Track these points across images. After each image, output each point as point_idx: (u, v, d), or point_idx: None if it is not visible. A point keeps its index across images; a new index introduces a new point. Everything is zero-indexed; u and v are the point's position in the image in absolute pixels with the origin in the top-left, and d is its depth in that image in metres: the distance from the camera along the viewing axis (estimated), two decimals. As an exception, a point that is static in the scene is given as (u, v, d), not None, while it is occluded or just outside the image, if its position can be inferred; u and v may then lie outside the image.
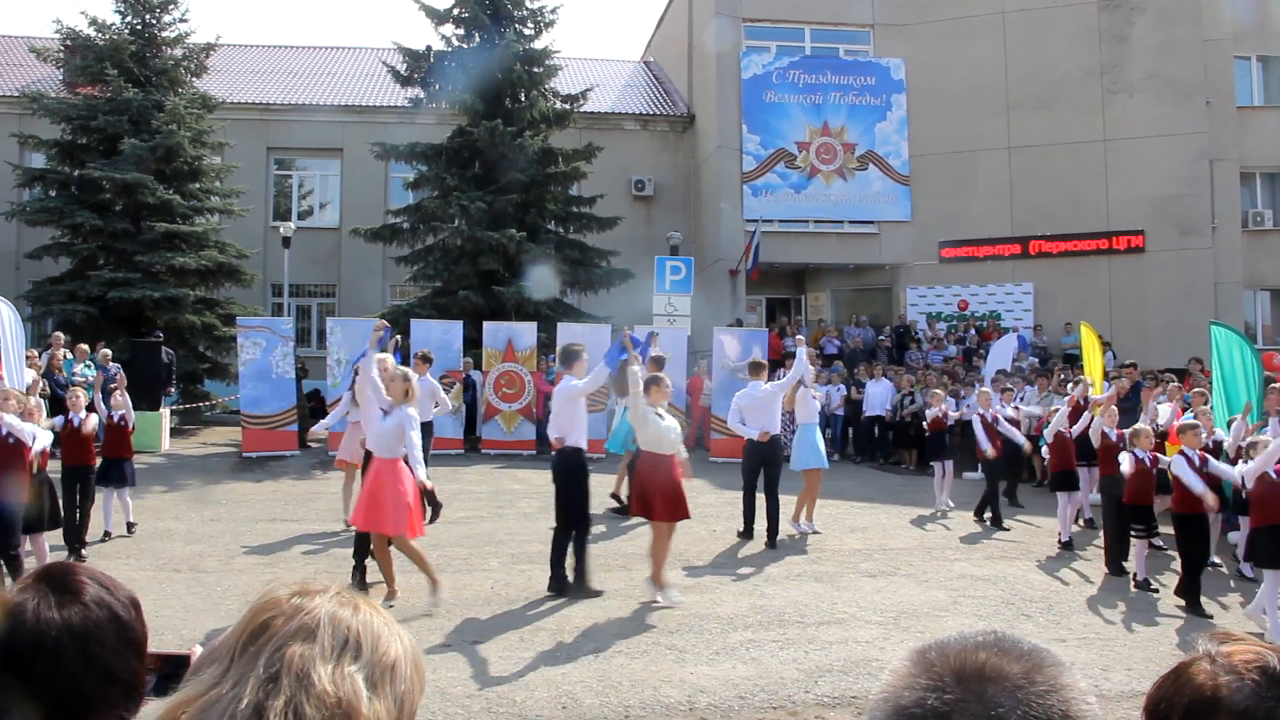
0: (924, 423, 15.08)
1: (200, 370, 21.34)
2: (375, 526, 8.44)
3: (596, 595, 8.84)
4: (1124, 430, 10.67)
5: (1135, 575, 10.07)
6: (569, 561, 8.98)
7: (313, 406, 19.71)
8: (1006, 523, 12.87)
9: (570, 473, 8.97)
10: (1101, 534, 11.20)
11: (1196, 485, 9.20)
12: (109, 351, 17.61)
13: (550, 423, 9.49)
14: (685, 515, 8.82)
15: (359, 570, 9.14)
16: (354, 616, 1.21)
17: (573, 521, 8.94)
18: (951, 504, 13.84)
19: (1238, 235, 24.17)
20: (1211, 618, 9.00)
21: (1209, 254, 23.31)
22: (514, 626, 8.11)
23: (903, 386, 18.65)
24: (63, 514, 10.02)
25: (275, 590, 1.23)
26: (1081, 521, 13.00)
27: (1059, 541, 11.72)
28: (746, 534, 11.38)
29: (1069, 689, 1.04)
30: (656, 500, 8.65)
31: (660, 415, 8.86)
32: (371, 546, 8.76)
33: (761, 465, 11.17)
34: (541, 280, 20.51)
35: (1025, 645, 1.08)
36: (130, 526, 11.31)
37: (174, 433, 18.84)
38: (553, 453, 9.20)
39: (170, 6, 22.42)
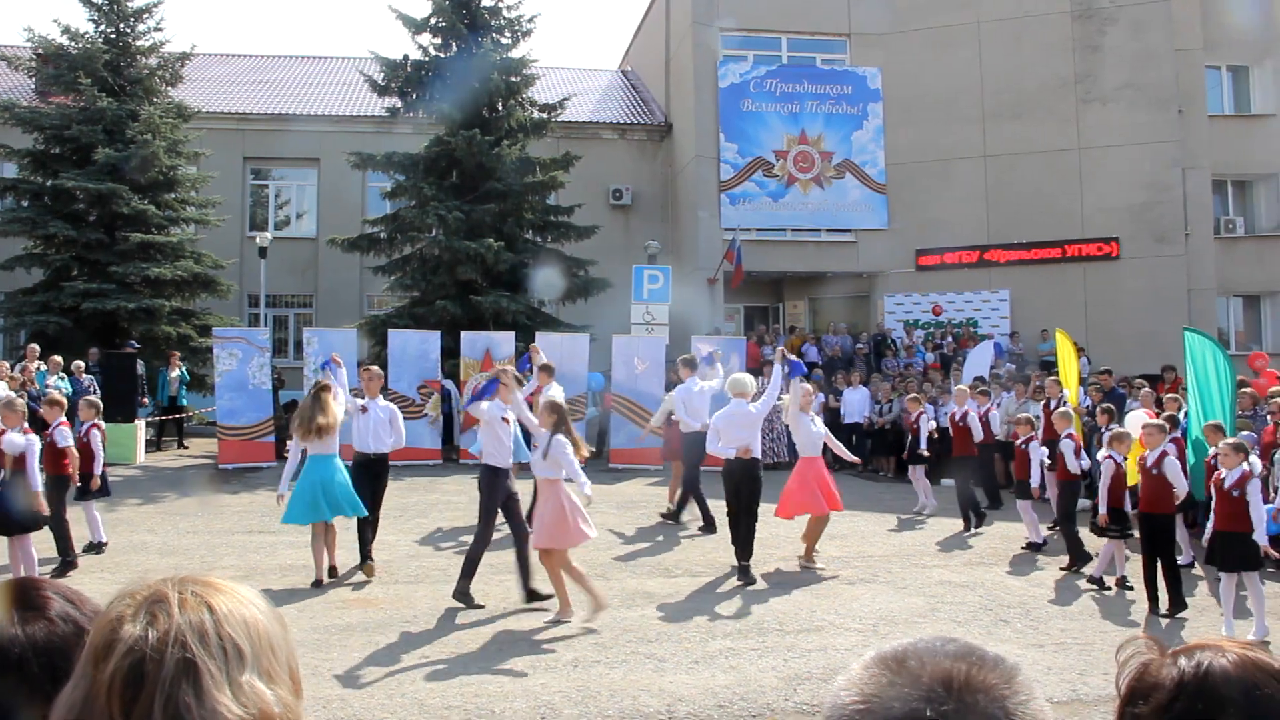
0: (903, 427, 15.27)
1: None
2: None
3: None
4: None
5: (1095, 575, 10.26)
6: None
7: (290, 417, 19.58)
8: (981, 528, 12.96)
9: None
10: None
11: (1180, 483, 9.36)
12: (81, 363, 17.48)
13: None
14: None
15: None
16: (211, 617, 1.16)
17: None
18: (934, 503, 13.99)
19: (1210, 242, 24.43)
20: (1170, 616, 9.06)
21: (1182, 261, 23.53)
22: (492, 636, 8.08)
23: (881, 394, 18.72)
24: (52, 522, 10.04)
25: (118, 630, 1.15)
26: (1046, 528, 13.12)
27: (1027, 544, 11.82)
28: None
29: (1037, 698, 1.06)
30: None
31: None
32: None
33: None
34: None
35: (990, 654, 1.09)
36: (97, 546, 11.03)
37: (149, 445, 18.70)
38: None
39: (145, 15, 22.26)
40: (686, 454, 12.49)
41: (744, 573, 10.05)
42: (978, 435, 13.55)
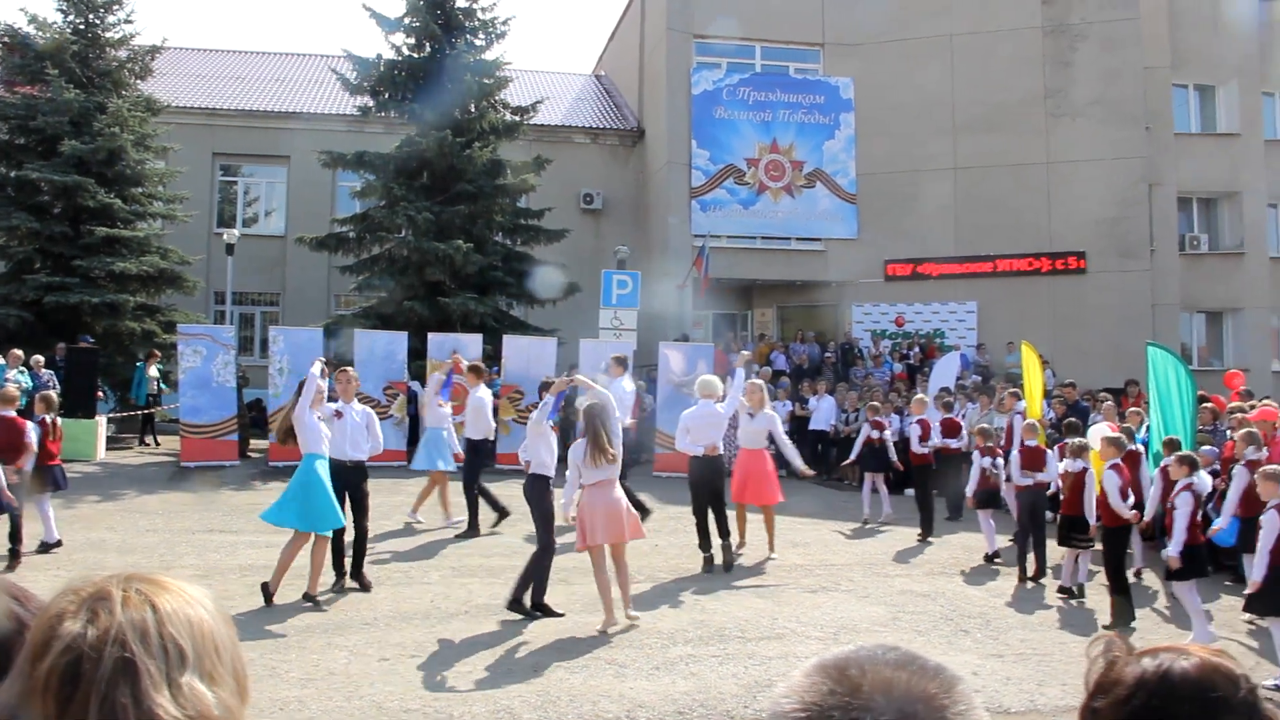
0: (855, 438, 15.43)
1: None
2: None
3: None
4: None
5: (1065, 584, 10.34)
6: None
7: (254, 416, 19.47)
8: (933, 539, 13.05)
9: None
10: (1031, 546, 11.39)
11: (1116, 501, 9.45)
12: (41, 358, 17.27)
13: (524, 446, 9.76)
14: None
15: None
16: (154, 616, 1.15)
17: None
18: (892, 518, 14.04)
19: (1175, 258, 24.75)
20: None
21: (1147, 276, 23.79)
22: (453, 641, 8.05)
23: (848, 404, 18.79)
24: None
25: (58, 626, 1.14)
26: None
27: (986, 556, 11.91)
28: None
29: (976, 707, 1.06)
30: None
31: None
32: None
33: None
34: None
35: (931, 663, 1.10)
36: (48, 546, 10.77)
37: (111, 442, 18.52)
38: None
39: (115, 7, 21.99)
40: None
41: (709, 562, 10.79)
42: (914, 446, 13.74)
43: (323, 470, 9.11)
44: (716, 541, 10.87)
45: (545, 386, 9.61)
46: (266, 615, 8.55)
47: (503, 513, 12.38)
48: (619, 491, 8.57)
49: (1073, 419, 12.76)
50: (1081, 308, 23.56)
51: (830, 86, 25.50)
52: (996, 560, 11.77)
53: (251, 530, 11.89)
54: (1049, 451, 11.60)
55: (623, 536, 8.48)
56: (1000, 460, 12.09)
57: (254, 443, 18.44)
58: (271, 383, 17.37)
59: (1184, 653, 1.38)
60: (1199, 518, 9.11)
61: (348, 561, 9.62)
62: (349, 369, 10.41)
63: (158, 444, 19.38)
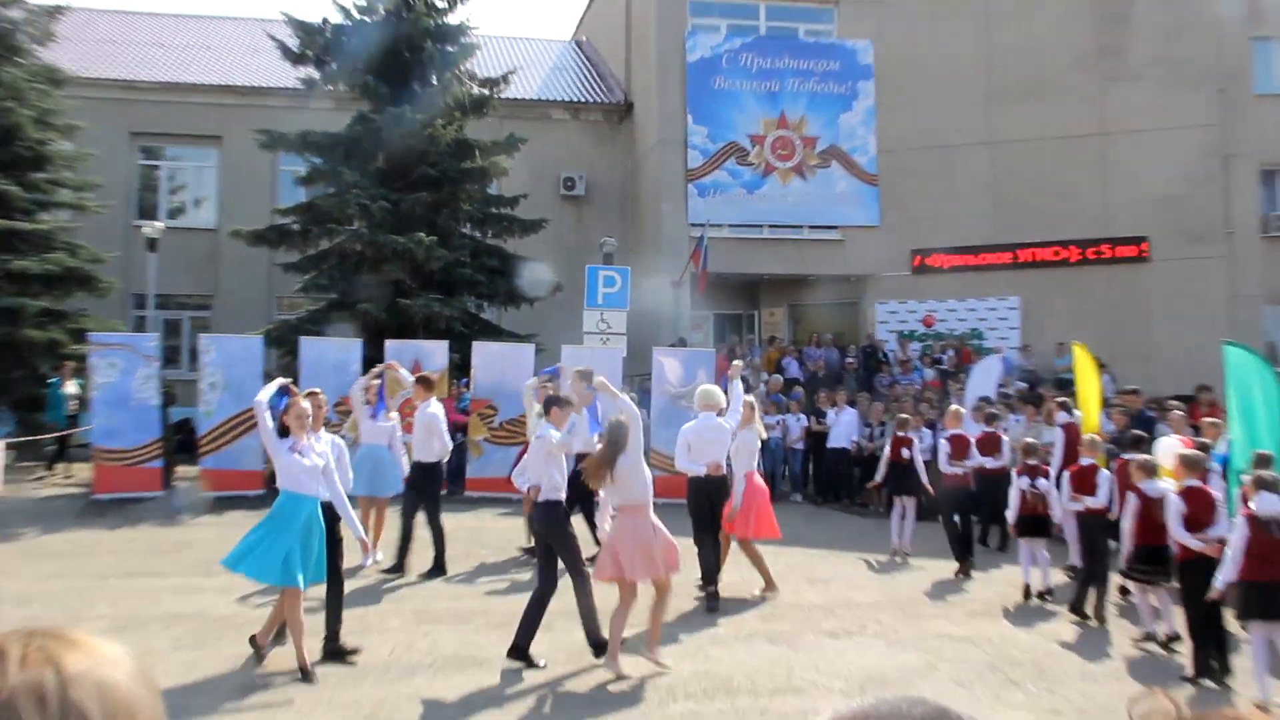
0: (879, 456, 15.31)
1: (42, 395, 20.72)
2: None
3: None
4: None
5: (1147, 630, 10.17)
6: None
7: (181, 439, 19.32)
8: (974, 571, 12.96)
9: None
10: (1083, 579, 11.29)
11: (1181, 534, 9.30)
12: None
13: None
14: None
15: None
16: (56, 678, 1.11)
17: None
18: (908, 550, 13.94)
19: (1255, 242, 24.50)
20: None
21: (1222, 263, 23.72)
22: (419, 698, 7.91)
23: (872, 416, 18.71)
24: None
25: None
26: (1064, 571, 13.14)
27: (1025, 591, 11.81)
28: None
29: None
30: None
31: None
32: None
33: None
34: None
35: (965, 718, 1.09)
36: None
37: (8, 472, 18.35)
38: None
39: (5, -42, 21.89)
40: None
41: (713, 598, 10.86)
42: (942, 465, 13.68)
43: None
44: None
45: (558, 402, 9.37)
46: (197, 670, 8.40)
47: (399, 565, 12.18)
48: (652, 519, 8.69)
49: (1138, 432, 12.64)
50: (1144, 302, 23.52)
51: (846, 50, 25.49)
52: (1046, 598, 11.66)
53: (179, 573, 11.76)
54: (1102, 471, 11.49)
55: (658, 572, 8.65)
56: (1043, 481, 11.99)
57: (181, 470, 18.30)
58: (202, 400, 17.25)
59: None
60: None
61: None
62: (318, 392, 9.82)
63: (69, 474, 19.18)
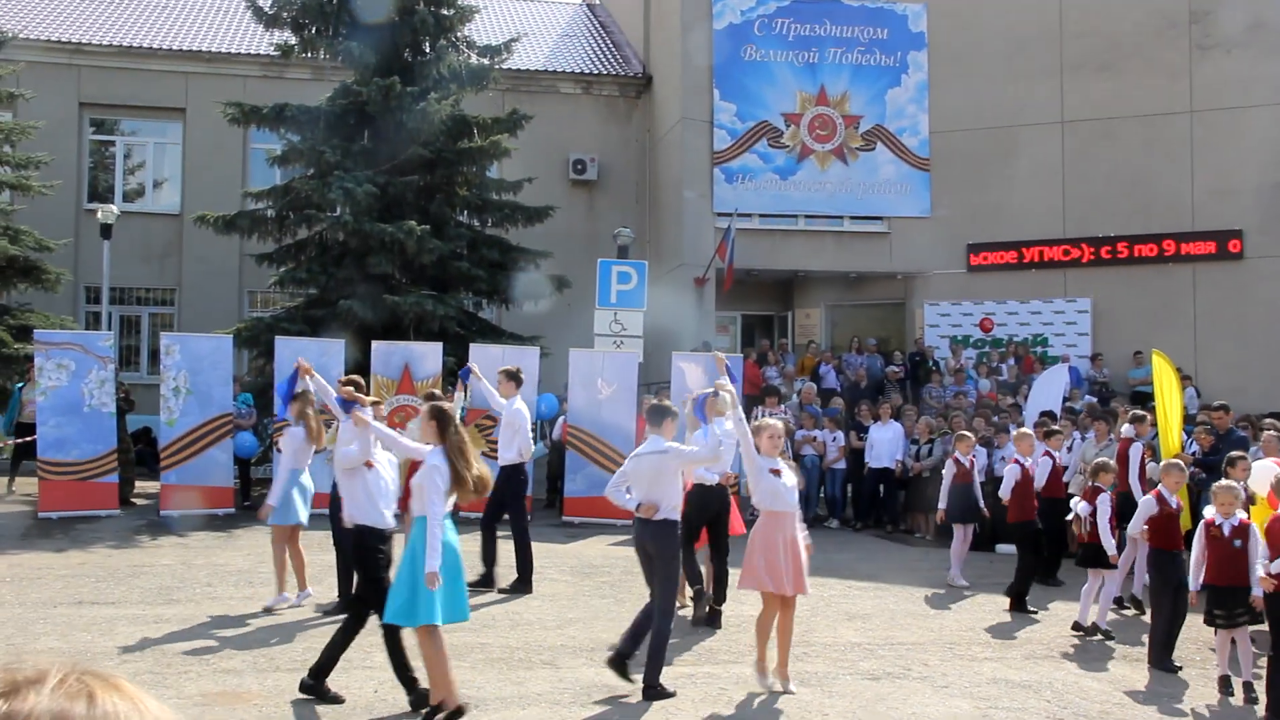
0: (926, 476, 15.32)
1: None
2: None
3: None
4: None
5: (1221, 678, 10.14)
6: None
7: (140, 450, 19.40)
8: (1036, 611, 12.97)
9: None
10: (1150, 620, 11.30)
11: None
12: None
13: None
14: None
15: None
16: (86, 711, 1.18)
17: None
18: (965, 583, 13.97)
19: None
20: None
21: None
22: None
23: (919, 432, 18.71)
24: None
25: None
26: (1128, 605, 13.15)
27: (1075, 626, 11.89)
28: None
29: None
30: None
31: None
32: None
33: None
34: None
35: None
36: None
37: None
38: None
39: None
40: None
41: (699, 594, 11.22)
42: (1004, 493, 13.61)
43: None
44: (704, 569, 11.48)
45: (667, 414, 9.29)
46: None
47: (487, 578, 12.61)
48: (799, 529, 9.16)
49: (1231, 454, 12.57)
50: (1236, 305, 23.36)
51: (896, 16, 25.50)
52: (1107, 638, 11.67)
53: (136, 601, 11.85)
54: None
55: (801, 588, 9.12)
56: (1084, 504, 11.96)
57: (140, 485, 18.36)
58: (164, 406, 17.30)
59: None
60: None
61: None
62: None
63: (12, 489, 19.15)
